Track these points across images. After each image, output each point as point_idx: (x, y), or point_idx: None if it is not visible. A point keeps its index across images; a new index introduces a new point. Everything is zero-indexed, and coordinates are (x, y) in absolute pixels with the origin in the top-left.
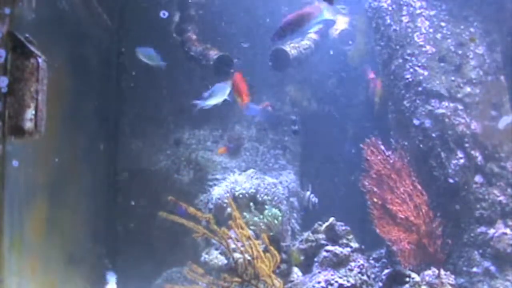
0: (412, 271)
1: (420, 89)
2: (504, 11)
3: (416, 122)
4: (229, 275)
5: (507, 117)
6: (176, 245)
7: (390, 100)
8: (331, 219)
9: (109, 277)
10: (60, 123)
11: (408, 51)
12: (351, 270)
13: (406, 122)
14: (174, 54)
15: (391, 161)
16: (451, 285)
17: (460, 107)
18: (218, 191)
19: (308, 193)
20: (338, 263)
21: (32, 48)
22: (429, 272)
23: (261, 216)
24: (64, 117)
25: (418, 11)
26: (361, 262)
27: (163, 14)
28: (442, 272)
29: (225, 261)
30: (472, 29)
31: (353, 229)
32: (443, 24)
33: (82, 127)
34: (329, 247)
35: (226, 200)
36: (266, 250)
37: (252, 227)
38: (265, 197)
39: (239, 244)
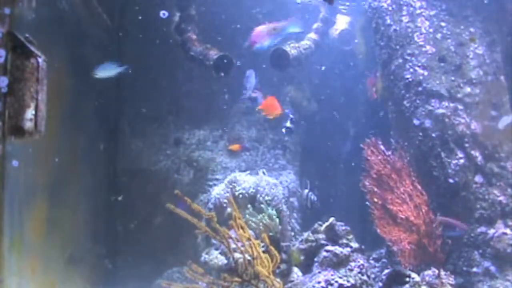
0: (412, 271)
1: (420, 89)
2: (504, 11)
3: (416, 122)
4: (229, 275)
5: (507, 117)
6: (176, 245)
7: (390, 100)
8: (331, 219)
9: None
10: (60, 123)
11: (408, 51)
12: (351, 270)
13: (406, 122)
14: (174, 54)
15: (391, 161)
16: (451, 285)
17: (460, 107)
18: (218, 191)
19: (307, 191)
20: (338, 263)
21: (32, 48)
22: (429, 272)
23: (259, 217)
24: (64, 117)
25: (418, 11)
26: (361, 262)
27: (163, 14)
28: (442, 272)
29: (225, 261)
30: (472, 29)
31: (353, 229)
32: (443, 24)
33: (82, 127)
34: (329, 247)
35: (225, 200)
36: (266, 250)
37: (251, 227)
38: (266, 197)
39: (239, 244)
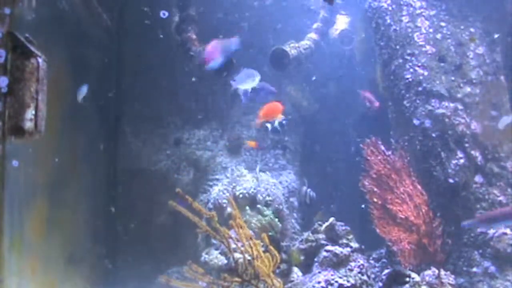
0: (412, 271)
1: (420, 89)
2: (504, 11)
3: (416, 122)
4: (229, 275)
5: (507, 117)
6: (176, 245)
7: (390, 100)
8: (331, 219)
9: None
10: (60, 123)
11: (408, 51)
12: (351, 270)
13: (406, 122)
14: (174, 54)
15: (391, 161)
16: (451, 285)
17: (460, 107)
18: (218, 191)
19: (305, 187)
20: (338, 263)
21: (32, 48)
22: (429, 272)
23: (259, 217)
24: (64, 117)
25: (418, 11)
26: (361, 262)
27: (163, 14)
28: (442, 272)
29: (225, 261)
30: (472, 29)
31: (353, 229)
32: (443, 24)
33: (82, 127)
34: (329, 247)
35: (225, 200)
36: (266, 250)
37: (251, 227)
38: (266, 197)
39: (239, 244)
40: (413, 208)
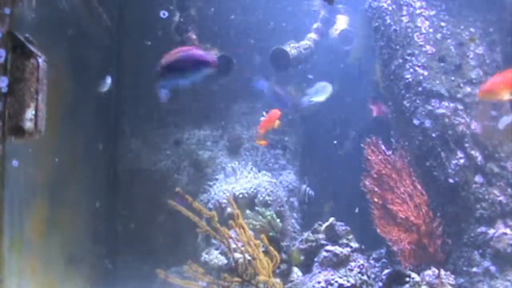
0: (412, 271)
1: (420, 89)
2: (504, 11)
3: (416, 122)
4: (229, 275)
5: (507, 117)
6: (176, 245)
7: (390, 100)
8: (331, 219)
9: None
10: (60, 123)
11: (408, 51)
12: (351, 270)
13: (406, 122)
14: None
15: (392, 161)
16: (451, 285)
17: (460, 107)
18: (218, 191)
19: (304, 186)
20: (338, 263)
21: (32, 48)
22: (429, 272)
23: (259, 218)
24: (64, 117)
25: (418, 11)
26: (361, 262)
27: (163, 14)
28: (442, 272)
29: (225, 261)
30: (472, 29)
31: (353, 229)
32: (443, 24)
33: (82, 127)
34: (329, 247)
35: (225, 200)
36: (266, 251)
37: (251, 227)
38: (266, 197)
39: (239, 244)
40: (413, 208)
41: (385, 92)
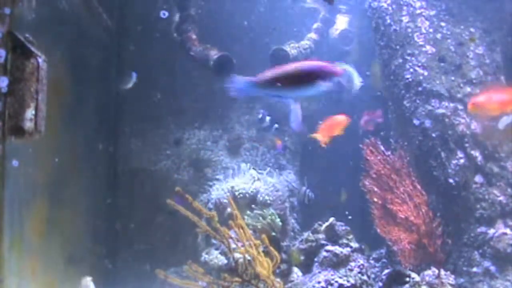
0: (412, 271)
1: (420, 89)
2: (504, 11)
3: (416, 122)
4: (229, 275)
5: (507, 117)
6: (176, 245)
7: (390, 100)
8: (331, 219)
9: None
10: (60, 123)
11: (408, 51)
12: (351, 270)
13: (406, 122)
14: (174, 54)
15: (391, 161)
16: (451, 285)
17: (460, 107)
18: (218, 191)
19: (304, 188)
20: (338, 263)
21: (32, 48)
22: (429, 272)
23: (260, 218)
24: (64, 117)
25: (418, 11)
26: (361, 262)
27: (163, 14)
28: (442, 272)
29: (225, 261)
30: (472, 29)
31: (353, 229)
32: (443, 24)
33: (82, 127)
34: (329, 247)
35: (225, 200)
36: (266, 251)
37: (251, 227)
38: (266, 197)
39: (240, 244)
40: (413, 208)
41: (385, 92)
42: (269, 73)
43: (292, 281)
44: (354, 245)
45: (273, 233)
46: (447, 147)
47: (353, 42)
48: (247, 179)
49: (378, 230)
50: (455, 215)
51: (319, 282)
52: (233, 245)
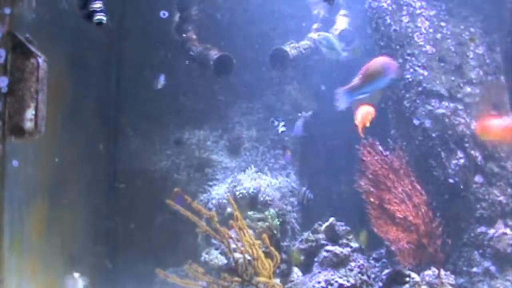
0: (412, 271)
1: (420, 89)
2: (504, 11)
3: (416, 122)
4: (229, 275)
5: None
6: (176, 245)
7: (390, 100)
8: (331, 219)
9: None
10: (60, 123)
11: (408, 51)
12: (351, 270)
13: (406, 122)
14: (174, 54)
15: (389, 161)
16: (451, 285)
17: (460, 107)
18: (218, 191)
19: (304, 188)
20: (338, 263)
21: (32, 48)
22: (429, 272)
23: (260, 221)
24: (64, 117)
25: (418, 11)
26: (361, 262)
27: (163, 14)
28: (442, 272)
29: (225, 261)
30: (472, 29)
31: (353, 229)
32: (443, 24)
33: (82, 127)
34: (329, 247)
35: (225, 200)
36: (266, 251)
37: (251, 227)
38: (266, 197)
39: (240, 244)
40: (412, 208)
41: (385, 92)
42: (358, 78)
43: (292, 281)
44: (354, 245)
45: (273, 233)
46: (447, 147)
47: (353, 42)
48: (247, 179)
49: (376, 230)
50: (455, 215)
51: (319, 282)
52: (233, 245)
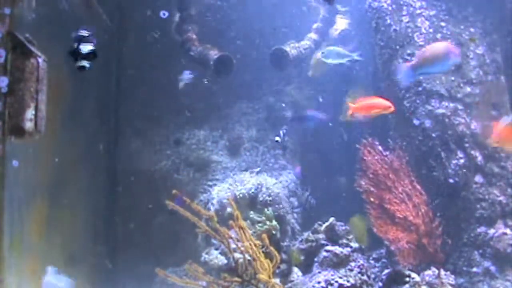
0: (412, 271)
1: (420, 89)
2: (504, 11)
3: (416, 122)
4: (229, 275)
5: (507, 117)
6: (176, 245)
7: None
8: (331, 219)
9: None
10: (60, 123)
11: (408, 51)
12: (351, 270)
13: (406, 122)
14: (174, 54)
15: (389, 161)
16: (451, 285)
17: (460, 107)
18: (218, 191)
19: (307, 193)
20: (338, 263)
21: (32, 48)
22: (429, 272)
23: (260, 221)
24: (64, 117)
25: (418, 11)
26: (361, 262)
27: (163, 14)
28: (442, 272)
29: (225, 261)
30: (472, 29)
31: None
32: (443, 24)
33: (82, 127)
34: (329, 247)
35: (225, 200)
36: (266, 251)
37: (251, 228)
38: (266, 198)
39: (240, 244)
40: (412, 207)
41: (385, 92)
42: (420, 56)
43: (292, 281)
44: (354, 245)
45: (273, 233)
46: (447, 147)
47: (353, 42)
48: (248, 179)
49: (375, 230)
50: (455, 215)
51: (319, 282)
52: (233, 245)
